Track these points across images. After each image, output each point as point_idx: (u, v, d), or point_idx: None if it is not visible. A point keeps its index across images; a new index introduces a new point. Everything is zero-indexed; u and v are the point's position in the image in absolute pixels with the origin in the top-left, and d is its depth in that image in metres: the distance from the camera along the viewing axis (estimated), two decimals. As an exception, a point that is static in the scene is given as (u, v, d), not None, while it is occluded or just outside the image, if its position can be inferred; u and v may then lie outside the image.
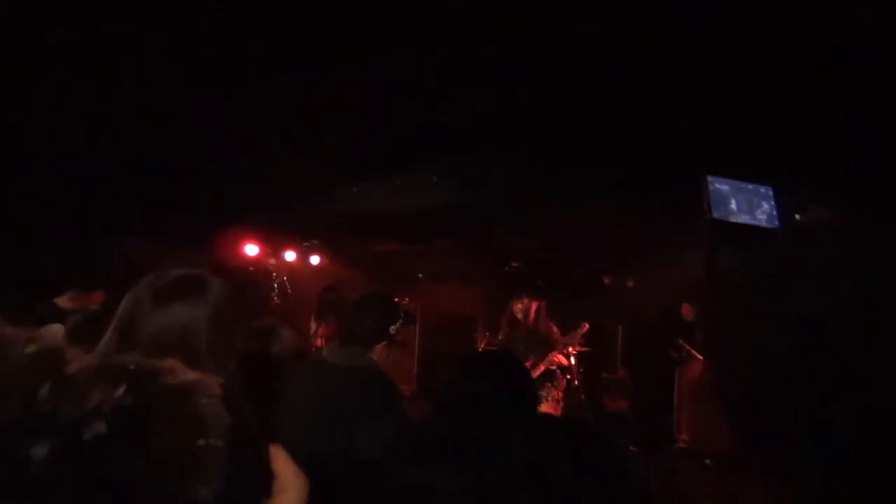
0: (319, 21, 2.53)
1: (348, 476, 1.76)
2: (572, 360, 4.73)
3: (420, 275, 8.27)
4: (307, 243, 7.49)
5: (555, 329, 4.48)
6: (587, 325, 4.46)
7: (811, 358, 0.42)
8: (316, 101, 3.41)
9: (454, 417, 1.41)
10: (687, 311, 5.98)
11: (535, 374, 4.13)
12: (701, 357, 5.33)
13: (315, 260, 7.59)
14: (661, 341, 6.12)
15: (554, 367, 4.22)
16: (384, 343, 2.07)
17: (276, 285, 7.26)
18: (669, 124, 3.60)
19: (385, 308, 2.10)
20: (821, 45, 2.58)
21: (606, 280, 7.48)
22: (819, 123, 3.00)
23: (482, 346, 6.88)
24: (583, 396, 4.82)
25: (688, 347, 5.64)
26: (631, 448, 5.58)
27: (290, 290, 7.36)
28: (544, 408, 4.10)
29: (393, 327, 2.07)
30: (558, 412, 4.17)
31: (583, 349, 5.21)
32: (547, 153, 4.43)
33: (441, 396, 1.53)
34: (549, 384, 4.20)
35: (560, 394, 4.27)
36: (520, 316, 4.40)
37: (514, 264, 7.53)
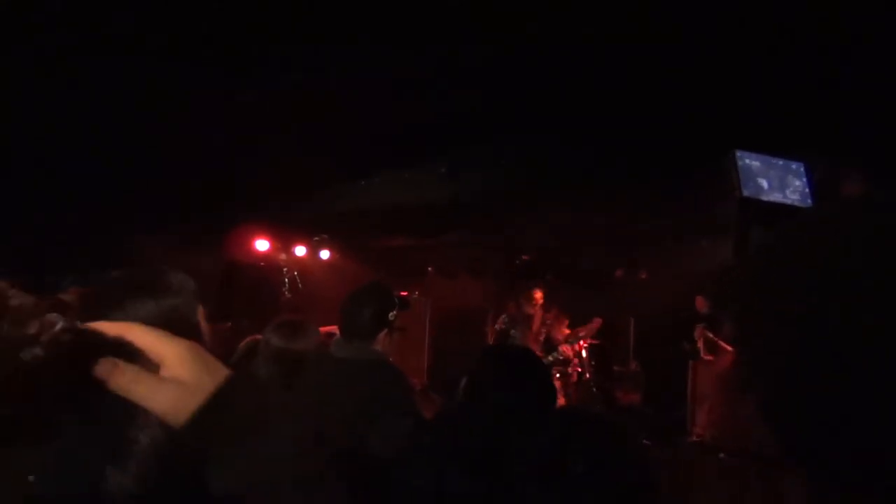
0: (325, 14, 2.51)
1: (359, 471, 1.77)
2: (584, 354, 4.69)
3: (430, 268, 8.26)
4: (317, 238, 7.51)
5: (564, 323, 4.46)
6: (600, 321, 4.41)
7: (827, 352, 0.42)
8: (324, 94, 3.40)
9: (471, 416, 1.40)
10: (701, 303, 5.90)
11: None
12: (729, 348, 5.26)
13: (325, 255, 7.61)
14: (675, 334, 6.05)
15: (560, 358, 4.21)
16: (385, 332, 2.09)
17: (286, 280, 7.29)
18: (683, 109, 3.52)
19: (380, 297, 2.11)
20: (856, 14, 2.48)
21: (618, 272, 7.40)
22: (855, 92, 2.90)
23: (493, 338, 6.89)
24: (594, 389, 4.78)
25: (712, 337, 5.55)
26: (644, 441, 5.55)
27: (300, 285, 7.39)
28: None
29: (391, 314, 2.08)
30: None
31: (594, 342, 5.17)
32: (556, 142, 4.37)
33: (458, 395, 1.52)
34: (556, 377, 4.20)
35: (570, 386, 4.25)
36: (530, 310, 4.39)
37: (524, 257, 7.49)
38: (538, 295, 4.40)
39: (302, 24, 2.57)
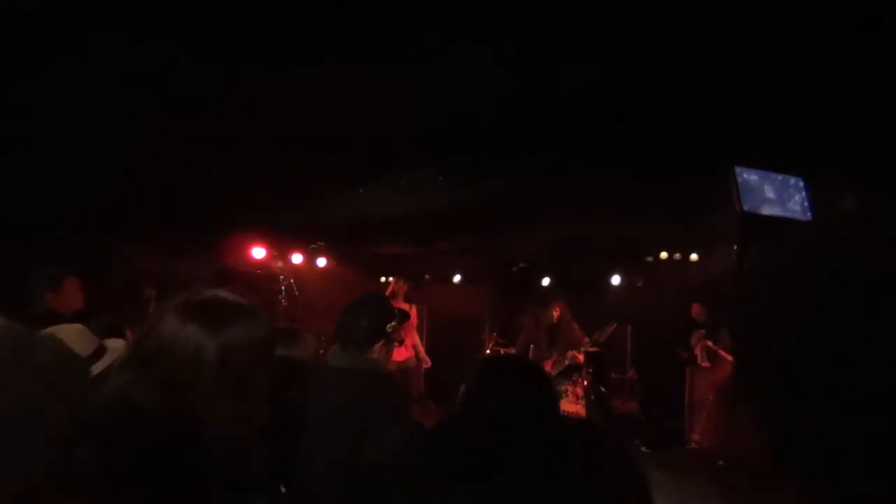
0: (328, 21, 2.52)
1: (354, 481, 1.76)
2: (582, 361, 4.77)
3: (427, 276, 8.26)
4: (314, 245, 7.49)
5: (575, 327, 4.56)
6: (615, 325, 4.50)
7: (833, 358, 0.42)
8: (322, 101, 3.41)
9: (471, 429, 1.38)
10: (697, 310, 5.91)
11: (557, 369, 4.26)
12: (728, 357, 5.27)
13: (321, 262, 7.59)
14: (671, 341, 6.05)
15: (574, 363, 4.30)
16: (382, 342, 2.08)
17: (282, 288, 7.26)
18: (683, 118, 3.54)
19: (379, 308, 2.12)
20: (852, 30, 2.50)
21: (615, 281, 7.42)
22: (852, 108, 2.91)
23: (489, 345, 6.88)
24: (592, 397, 4.80)
25: (711, 346, 5.57)
26: (642, 449, 5.53)
27: (296, 293, 7.36)
28: (565, 403, 4.21)
29: (389, 326, 2.08)
30: (580, 408, 4.27)
31: (592, 349, 5.17)
32: (554, 151, 4.39)
33: (457, 406, 1.51)
34: (570, 381, 4.29)
35: (580, 390, 4.34)
36: (555, 319, 4.55)
37: (520, 264, 7.50)
38: (557, 308, 4.58)
39: (302, 29, 2.57)
